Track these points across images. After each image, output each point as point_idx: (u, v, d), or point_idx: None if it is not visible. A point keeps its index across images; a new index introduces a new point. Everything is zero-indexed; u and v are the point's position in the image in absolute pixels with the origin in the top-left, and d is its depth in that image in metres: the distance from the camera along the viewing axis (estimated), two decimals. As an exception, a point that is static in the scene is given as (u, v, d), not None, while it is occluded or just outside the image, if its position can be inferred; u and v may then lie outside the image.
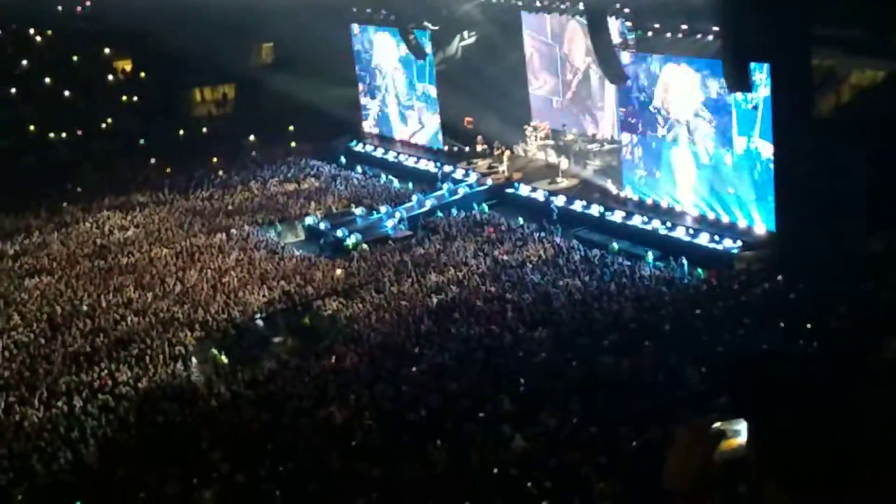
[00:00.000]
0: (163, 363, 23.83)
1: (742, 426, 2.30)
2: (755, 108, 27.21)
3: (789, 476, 2.04)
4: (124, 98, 50.07)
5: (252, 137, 45.72)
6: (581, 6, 32.98)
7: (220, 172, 41.92)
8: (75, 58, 51.56)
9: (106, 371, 23.53)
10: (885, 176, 24.76)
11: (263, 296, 27.68)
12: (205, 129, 48.60)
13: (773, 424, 2.07)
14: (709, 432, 2.32)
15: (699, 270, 26.46)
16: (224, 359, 23.93)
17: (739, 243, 27.45)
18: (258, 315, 26.54)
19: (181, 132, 47.36)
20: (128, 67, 52.67)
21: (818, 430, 2.02)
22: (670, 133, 30.31)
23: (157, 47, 47.53)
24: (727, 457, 2.31)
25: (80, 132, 46.96)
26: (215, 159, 43.28)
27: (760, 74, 26.52)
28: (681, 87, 29.48)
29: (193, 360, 24.16)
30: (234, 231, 33.83)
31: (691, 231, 28.82)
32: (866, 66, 27.01)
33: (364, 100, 45.85)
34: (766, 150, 27.31)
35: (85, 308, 28.00)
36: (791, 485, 2.05)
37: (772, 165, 27.21)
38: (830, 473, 2.02)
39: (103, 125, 47.78)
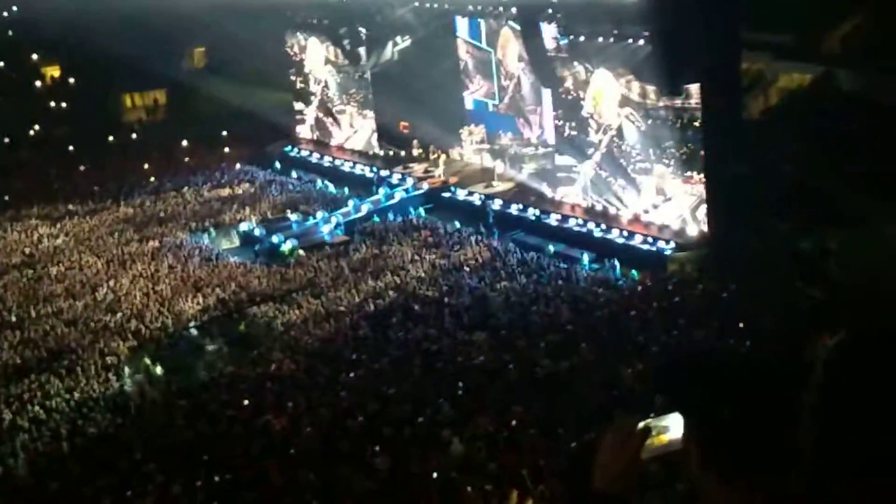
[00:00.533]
0: (95, 374, 23.39)
1: (672, 422, 2.32)
2: (684, 111, 27.54)
3: (727, 468, 2.07)
4: (53, 104, 49.13)
5: (185, 143, 45.12)
6: (514, 11, 33.16)
7: (152, 179, 41.29)
8: (1, 64, 50.49)
9: (36, 383, 23.03)
10: (813, 177, 25.29)
11: (198, 303, 27.33)
12: (135, 135, 47.85)
13: (710, 419, 2.09)
14: (635, 430, 2.34)
15: (633, 272, 26.72)
16: (158, 368, 23.58)
17: (673, 245, 27.77)
18: (192, 323, 26.19)
19: (111, 138, 46.57)
20: (56, 73, 51.74)
21: (755, 423, 2.06)
22: (604, 136, 30.57)
23: (86, 52, 46.69)
24: (656, 454, 2.33)
25: (7, 140, 45.96)
26: (147, 165, 42.63)
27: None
28: (612, 91, 29.77)
29: (126, 370, 23.75)
30: (167, 238, 33.34)
31: (626, 233, 29.09)
32: (794, 69, 27.56)
33: (298, 105, 45.56)
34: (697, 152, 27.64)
35: (13, 319, 27.39)
36: (729, 476, 2.07)
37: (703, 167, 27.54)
38: (767, 465, 2.07)
39: (31, 132, 46.84)
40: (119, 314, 26.97)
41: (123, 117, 50.59)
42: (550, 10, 31.01)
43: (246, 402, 21.03)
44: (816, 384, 2.13)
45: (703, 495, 2.13)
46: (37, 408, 21.83)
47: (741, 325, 21.64)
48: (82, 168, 43.14)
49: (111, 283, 29.50)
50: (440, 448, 17.38)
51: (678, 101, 27.55)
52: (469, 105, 38.45)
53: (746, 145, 26.51)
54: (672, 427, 2.34)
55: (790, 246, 24.87)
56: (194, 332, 25.78)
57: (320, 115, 44.44)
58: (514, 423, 18.09)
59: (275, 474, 17.16)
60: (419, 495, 15.58)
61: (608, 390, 19.61)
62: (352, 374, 21.84)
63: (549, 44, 31.56)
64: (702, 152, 27.43)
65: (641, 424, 2.35)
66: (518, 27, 33.31)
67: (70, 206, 38.32)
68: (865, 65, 25.43)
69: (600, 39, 30.12)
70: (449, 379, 20.86)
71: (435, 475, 16.08)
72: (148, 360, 23.96)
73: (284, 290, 27.90)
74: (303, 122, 45.54)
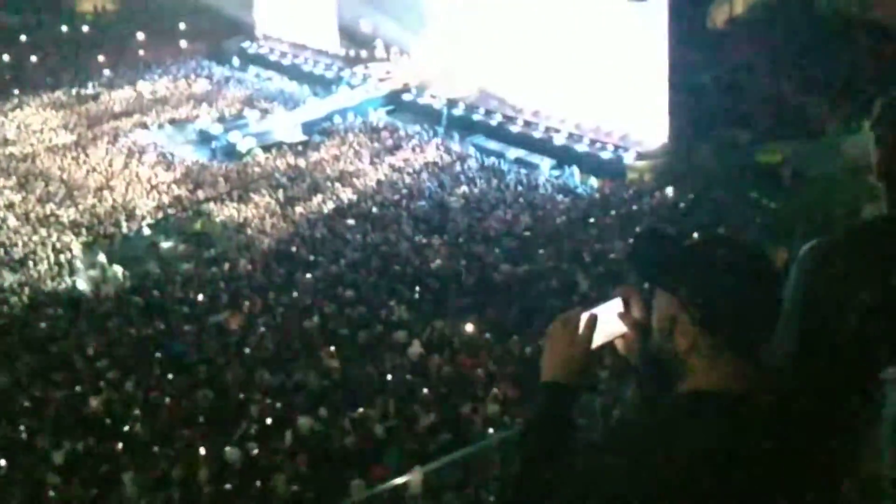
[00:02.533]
0: (48, 268, 23.14)
1: (615, 307, 2.34)
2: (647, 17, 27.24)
3: (726, 337, 2.13)
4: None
5: (140, 36, 43.98)
6: None
7: (106, 71, 40.31)
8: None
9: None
10: (774, 88, 25.28)
11: (153, 200, 26.99)
12: (90, 26, 46.57)
13: (706, 290, 2.13)
14: (581, 318, 2.33)
15: (592, 179, 26.72)
16: (111, 264, 23.34)
17: (633, 153, 27.74)
18: (147, 219, 25.90)
19: (64, 28, 45.28)
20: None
21: (748, 298, 2.12)
22: (562, 38, 30.18)
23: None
24: (606, 340, 2.34)
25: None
26: (101, 57, 41.57)
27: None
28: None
29: (80, 265, 23.50)
30: (121, 133, 32.73)
31: (587, 140, 28.97)
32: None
33: (258, -1, 44.50)
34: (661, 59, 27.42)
35: (-37, 211, 26.97)
36: (725, 346, 2.11)
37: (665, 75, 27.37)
38: (757, 337, 2.17)
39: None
40: (72, 209, 26.57)
41: (78, 7, 49.14)
42: None
43: (200, 299, 20.95)
44: (793, 284, 2.43)
45: (690, 370, 2.16)
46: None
47: (697, 234, 21.73)
48: (34, 58, 41.98)
49: (64, 176, 29.00)
50: (396, 351, 17.45)
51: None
52: (432, 6, 37.69)
53: (709, 55, 26.35)
54: (613, 312, 2.35)
55: (748, 156, 24.95)
56: (148, 229, 25.47)
57: (280, 10, 43.40)
58: (469, 326, 18.19)
59: (228, 373, 17.16)
60: (374, 396, 15.67)
61: (565, 296, 19.74)
62: (308, 276, 21.79)
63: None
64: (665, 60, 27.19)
65: (588, 313, 2.35)
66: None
67: (21, 97, 37.39)
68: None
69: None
70: (406, 282, 20.88)
71: (389, 377, 16.16)
72: (102, 256, 23.69)
73: (241, 188, 27.58)
74: (262, 17, 44.49)
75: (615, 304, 2.38)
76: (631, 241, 20.90)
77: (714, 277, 2.16)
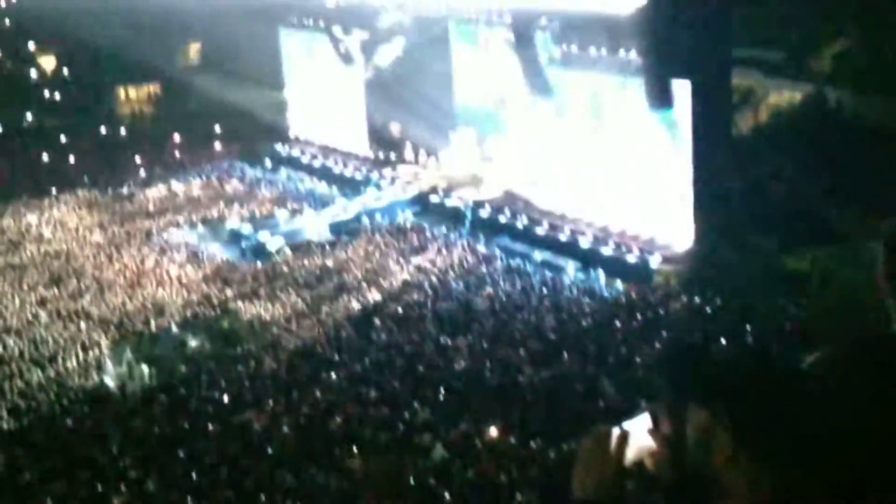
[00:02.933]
0: (76, 365, 23.38)
1: (645, 423, 2.34)
2: (676, 125, 27.59)
3: (760, 452, 2.12)
4: (47, 94, 49.12)
5: (176, 137, 45.10)
6: (508, 20, 33.22)
7: (142, 172, 41.23)
8: (-1, 52, 50.56)
9: (16, 372, 23.00)
10: (800, 194, 25.41)
11: (182, 298, 27.30)
12: (128, 128, 47.83)
13: (740, 406, 2.14)
14: (614, 436, 2.35)
15: (618, 283, 26.76)
16: (138, 362, 23.54)
17: (659, 257, 27.82)
18: (176, 318, 26.15)
19: (103, 130, 46.52)
20: (52, 64, 51.71)
21: (776, 412, 2.12)
22: (595, 145, 30.62)
23: (82, 44, 46.80)
24: (638, 457, 2.35)
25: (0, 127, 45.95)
26: (138, 158, 42.58)
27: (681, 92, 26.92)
28: (608, 102, 29.82)
29: (108, 362, 23.72)
30: (154, 232, 33.31)
31: (612, 244, 29.12)
32: (784, 87, 27.69)
33: (291, 103, 45.61)
34: (686, 166, 27.68)
35: (-4, 307, 27.42)
36: (760, 460, 2.11)
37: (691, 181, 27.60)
38: (789, 451, 2.16)
39: (24, 121, 46.78)
40: (103, 306, 26.93)
41: (117, 109, 50.56)
42: (544, 20, 31.07)
43: (226, 398, 21.04)
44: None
45: (728, 487, 2.15)
46: (16, 397, 21.81)
47: (724, 340, 21.71)
48: (73, 158, 43.06)
49: (96, 274, 29.48)
50: (419, 453, 17.39)
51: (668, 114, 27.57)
52: (460, 109, 38.47)
53: (735, 161, 26.60)
54: (647, 429, 2.36)
55: (775, 262, 24.96)
56: (177, 327, 25.71)
57: (312, 114, 44.45)
58: (493, 430, 18.10)
59: (252, 473, 17.14)
60: (396, 500, 15.59)
61: (590, 400, 19.64)
62: (333, 375, 21.85)
63: (542, 53, 31.60)
64: (689, 167, 27.46)
65: (619, 429, 2.37)
66: (512, 35, 33.32)
67: (59, 196, 38.24)
68: (854, 85, 25.57)
69: (593, 50, 30.19)
70: (430, 384, 20.88)
71: (412, 480, 16.08)
72: (129, 354, 23.92)
73: (269, 287, 27.86)
74: (295, 120, 45.57)
75: (644, 420, 2.39)
76: (661, 352, 20.91)
77: (750, 393, 2.16)
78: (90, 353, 24.09)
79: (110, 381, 22.86)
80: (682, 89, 26.77)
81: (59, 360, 23.65)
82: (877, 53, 25.37)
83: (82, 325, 25.83)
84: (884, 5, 24.90)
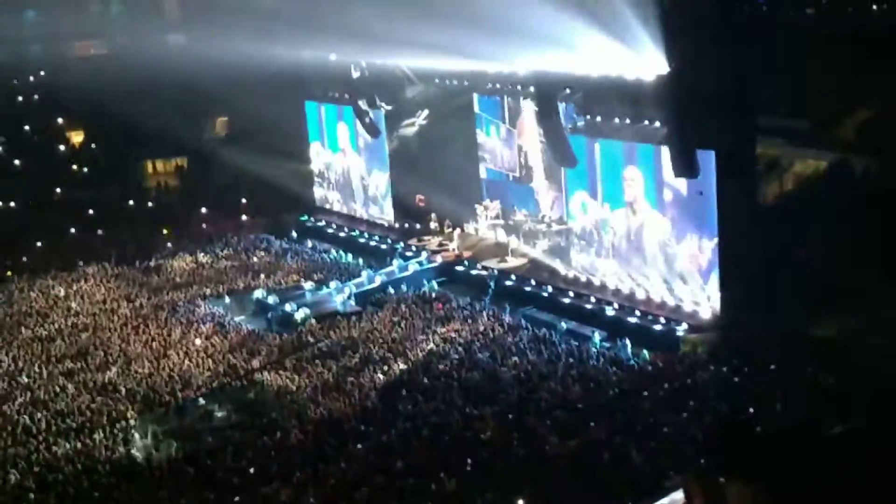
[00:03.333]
0: (103, 437, 23.39)
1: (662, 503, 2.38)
2: (700, 193, 27.68)
3: None
4: (75, 168, 49.89)
5: (203, 210, 45.60)
6: (532, 90, 33.61)
7: (169, 244, 41.64)
8: (27, 127, 51.40)
9: (44, 444, 23.04)
10: (828, 263, 25.33)
11: (208, 369, 27.35)
12: (155, 201, 48.42)
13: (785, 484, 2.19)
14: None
15: (645, 352, 26.63)
16: (165, 434, 23.52)
17: (685, 326, 27.70)
18: (202, 389, 26.17)
19: (131, 203, 47.12)
20: (80, 138, 52.60)
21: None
22: (620, 215, 30.72)
23: (110, 119, 47.64)
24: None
25: (29, 201, 46.58)
26: (165, 231, 43.05)
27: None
28: (632, 173, 29.97)
29: (134, 434, 23.71)
30: (181, 304, 33.50)
31: (638, 312, 29.06)
32: (809, 156, 27.78)
33: (316, 175, 46.17)
34: (714, 236, 27.69)
35: (25, 379, 27.49)
36: None
37: (717, 250, 27.58)
38: None
39: (53, 195, 47.47)
40: (130, 378, 27.01)
41: (144, 183, 51.24)
42: (567, 90, 31.41)
43: (252, 470, 20.95)
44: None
45: None
46: (43, 470, 21.81)
47: (751, 410, 21.52)
48: (100, 231, 43.57)
49: (123, 345, 29.62)
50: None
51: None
52: (485, 180, 38.79)
53: (762, 229, 26.58)
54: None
55: (804, 331, 24.79)
56: (203, 398, 25.72)
57: (338, 186, 44.94)
58: (521, 501, 17.93)
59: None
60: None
61: (617, 470, 19.46)
62: (359, 446, 21.74)
63: (567, 122, 31.89)
64: (716, 238, 27.47)
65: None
66: (535, 106, 33.69)
67: (86, 269, 38.61)
68: (879, 153, 25.62)
69: (616, 120, 30.45)
70: (456, 454, 20.75)
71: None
72: (156, 426, 23.91)
73: (295, 358, 27.88)
74: (320, 192, 46.07)
75: (677, 497, 2.40)
76: (699, 424, 20.70)
77: (793, 467, 2.20)
78: (117, 425, 24.09)
79: (137, 453, 22.81)
80: (707, 159, 26.97)
81: (86, 432, 23.65)
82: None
83: (109, 396, 25.86)
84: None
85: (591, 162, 31.44)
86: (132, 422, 24.34)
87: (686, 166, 27.23)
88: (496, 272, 33.96)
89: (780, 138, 27.62)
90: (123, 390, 26.20)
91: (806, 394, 21.85)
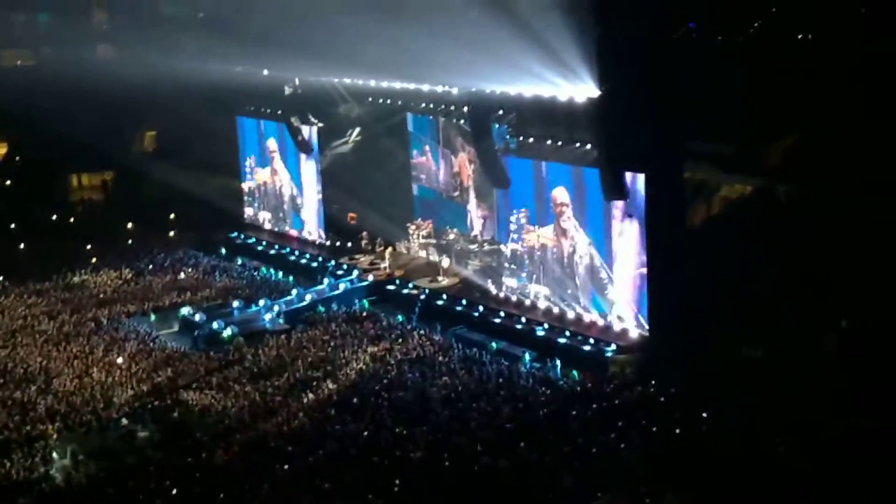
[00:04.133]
0: (22, 457, 22.73)
1: None
2: (630, 216, 27.97)
3: None
4: (-3, 180, 48.80)
5: (130, 225, 44.80)
6: (465, 110, 33.73)
7: (94, 259, 40.74)
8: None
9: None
10: (754, 285, 25.74)
11: (131, 388, 26.77)
12: (80, 216, 47.46)
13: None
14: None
15: (574, 372, 26.76)
16: (86, 454, 22.94)
17: (614, 346, 27.91)
18: (124, 409, 25.60)
19: (54, 217, 46.11)
20: (3, 150, 51.45)
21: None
22: (550, 237, 30.89)
23: (35, 130, 46.62)
24: None
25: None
26: (89, 246, 42.13)
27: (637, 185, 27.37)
28: (562, 195, 30.19)
29: (54, 454, 23.08)
30: (104, 321, 32.78)
31: (568, 333, 29.20)
32: (736, 180, 28.23)
33: (246, 192, 45.68)
34: (642, 257, 27.99)
35: (-60, 397, 26.67)
36: None
37: (646, 272, 27.87)
38: None
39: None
40: (50, 397, 26.31)
41: (69, 197, 50.23)
42: (500, 112, 31.59)
43: (175, 491, 20.52)
44: None
45: None
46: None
47: (678, 430, 21.78)
48: (23, 246, 42.53)
49: (43, 363, 28.86)
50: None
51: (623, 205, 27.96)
52: (417, 200, 38.79)
53: (690, 251, 26.92)
54: None
55: (730, 351, 25.14)
56: (125, 418, 25.15)
57: (268, 203, 44.52)
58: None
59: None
60: None
61: (547, 490, 19.48)
62: (286, 467, 21.43)
63: (499, 143, 32.07)
64: (644, 259, 27.77)
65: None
66: (468, 127, 33.81)
67: (7, 284, 37.59)
68: (805, 179, 26.13)
69: (549, 142, 30.68)
70: (385, 474, 20.59)
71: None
72: (76, 445, 23.31)
73: (221, 377, 27.43)
74: (250, 209, 45.59)
75: None
76: (630, 448, 20.85)
77: (721, 482, 2.19)
78: (35, 444, 23.42)
79: (56, 474, 22.20)
80: (637, 182, 27.31)
81: (3, 451, 22.95)
82: (822, 148, 26.01)
83: (28, 415, 25.15)
84: (830, 102, 25.64)
85: (523, 183, 31.61)
86: (52, 441, 23.68)
87: (615, 189, 27.52)
88: (427, 291, 33.90)
89: (708, 162, 28.04)
90: (43, 409, 25.50)
91: (732, 413, 22.13)
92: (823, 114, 25.78)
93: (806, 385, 22.66)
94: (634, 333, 28.45)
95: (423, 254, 37.77)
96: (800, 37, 28.47)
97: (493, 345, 29.08)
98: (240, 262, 40.75)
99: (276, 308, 33.01)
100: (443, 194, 37.85)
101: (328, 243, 41.03)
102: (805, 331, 24.67)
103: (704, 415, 22.34)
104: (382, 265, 36.92)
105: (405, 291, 34.56)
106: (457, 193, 37.13)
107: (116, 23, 54.35)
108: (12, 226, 44.54)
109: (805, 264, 25.22)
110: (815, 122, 26.02)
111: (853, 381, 22.54)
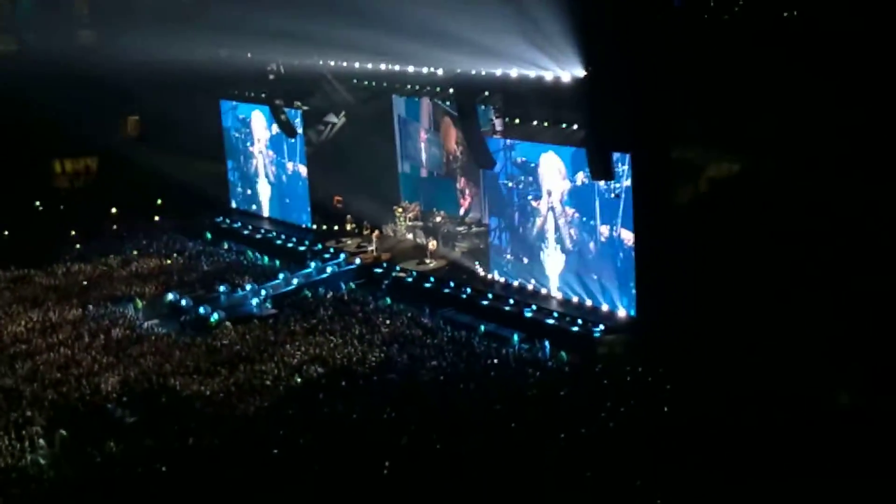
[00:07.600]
0: (8, 444, 22.58)
1: None
2: (618, 196, 27.92)
3: None
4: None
5: (114, 210, 44.52)
6: (451, 92, 33.57)
7: (78, 245, 40.49)
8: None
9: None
10: (742, 265, 25.78)
11: (118, 374, 26.63)
12: (64, 201, 47.11)
13: None
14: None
15: (562, 353, 26.76)
16: (73, 441, 22.81)
17: (602, 327, 27.91)
18: (112, 394, 25.48)
19: (37, 203, 45.77)
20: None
21: None
22: (537, 219, 30.85)
23: (16, 115, 46.14)
24: None
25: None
26: (73, 232, 41.85)
27: (623, 165, 27.29)
28: (551, 174, 30.10)
29: (40, 441, 22.94)
30: (91, 307, 32.58)
31: (556, 315, 29.19)
32: (723, 159, 28.19)
33: (232, 176, 45.44)
34: (629, 238, 27.96)
35: (-76, 385, 26.47)
36: None
37: (633, 253, 27.85)
38: None
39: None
40: (36, 384, 26.15)
41: (52, 182, 49.83)
42: (486, 93, 31.46)
43: (163, 476, 20.44)
44: None
45: None
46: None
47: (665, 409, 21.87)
48: (6, 233, 42.22)
49: (30, 350, 28.67)
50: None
51: (611, 185, 27.90)
52: (403, 182, 38.67)
53: (677, 231, 26.93)
54: None
55: (718, 331, 25.19)
56: (113, 403, 25.03)
57: (255, 187, 44.30)
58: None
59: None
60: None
61: (535, 470, 19.50)
62: (275, 451, 21.37)
63: (485, 124, 31.96)
64: (632, 240, 27.74)
65: None
66: (454, 108, 33.68)
67: (-10, 272, 37.33)
68: (792, 156, 26.11)
69: (535, 122, 30.58)
70: (374, 457, 20.56)
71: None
72: (63, 433, 23.17)
73: (209, 362, 27.32)
74: (235, 193, 45.36)
75: None
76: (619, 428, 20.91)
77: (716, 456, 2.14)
78: (22, 431, 23.28)
79: (43, 461, 22.07)
80: (624, 162, 27.25)
81: (-10, 439, 22.85)
82: (805, 126, 26.00)
83: (14, 405, 24.99)
84: (818, 79, 25.61)
85: (509, 164, 31.53)
86: (38, 429, 23.53)
87: (603, 169, 27.43)
88: (415, 274, 33.85)
89: (695, 141, 27.98)
90: (29, 396, 25.35)
91: (721, 392, 22.21)
92: (811, 91, 25.74)
93: (797, 361, 22.76)
94: (622, 314, 28.45)
95: (410, 236, 37.68)
96: (785, 14, 28.40)
97: (482, 327, 29.06)
98: (226, 246, 40.57)
99: (262, 292, 32.88)
100: (429, 177, 37.71)
101: (314, 227, 40.87)
102: (795, 308, 24.73)
103: (694, 394, 22.44)
104: (369, 248, 36.82)
105: (393, 275, 34.48)
106: (443, 176, 37.01)
107: (98, 7, 53.75)
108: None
109: (791, 243, 25.27)
110: (804, 99, 25.97)
111: (846, 355, 22.68)
